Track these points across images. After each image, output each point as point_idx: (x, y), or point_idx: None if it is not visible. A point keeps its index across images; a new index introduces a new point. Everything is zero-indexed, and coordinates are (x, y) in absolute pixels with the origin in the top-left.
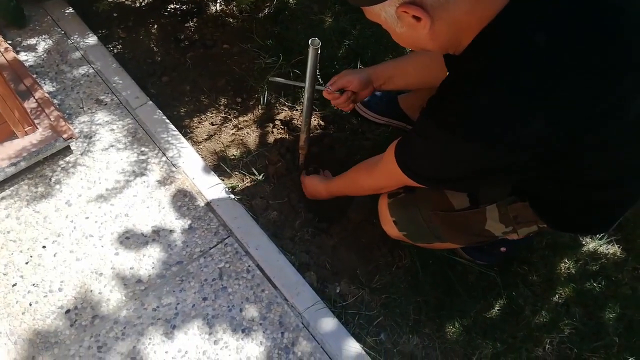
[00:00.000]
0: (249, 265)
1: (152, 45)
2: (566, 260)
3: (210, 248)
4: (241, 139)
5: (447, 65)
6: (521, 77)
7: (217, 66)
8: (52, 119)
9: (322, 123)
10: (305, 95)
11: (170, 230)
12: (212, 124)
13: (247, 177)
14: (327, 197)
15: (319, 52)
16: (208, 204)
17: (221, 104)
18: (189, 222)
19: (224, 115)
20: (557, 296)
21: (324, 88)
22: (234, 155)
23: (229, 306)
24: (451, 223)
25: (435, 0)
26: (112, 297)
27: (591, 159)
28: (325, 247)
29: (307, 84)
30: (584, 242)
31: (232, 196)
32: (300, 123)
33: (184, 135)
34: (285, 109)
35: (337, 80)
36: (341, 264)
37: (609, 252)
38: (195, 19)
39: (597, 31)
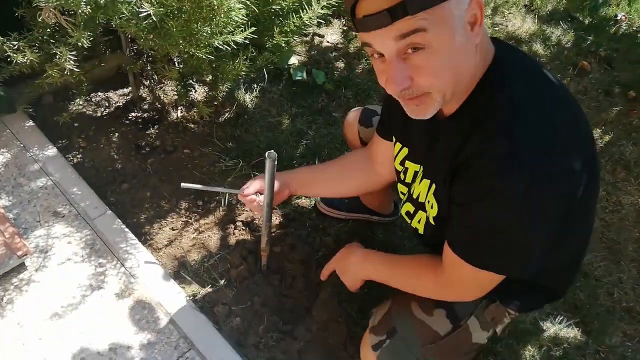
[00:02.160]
0: None
1: (113, 153)
2: (530, 347)
3: None
4: (202, 243)
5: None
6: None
7: (178, 171)
8: (6, 236)
9: (282, 220)
10: (265, 200)
11: (128, 347)
12: (172, 229)
13: (209, 282)
14: (366, 277)
15: (276, 162)
16: (168, 315)
17: (182, 208)
18: (148, 336)
19: (184, 219)
20: None
21: (239, 192)
22: (195, 261)
23: None
24: (443, 352)
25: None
26: None
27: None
28: (291, 352)
29: (265, 192)
30: (544, 328)
31: (193, 305)
32: (261, 222)
33: (144, 242)
34: (247, 209)
35: (252, 184)
36: None
37: (569, 335)
38: (156, 126)
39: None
